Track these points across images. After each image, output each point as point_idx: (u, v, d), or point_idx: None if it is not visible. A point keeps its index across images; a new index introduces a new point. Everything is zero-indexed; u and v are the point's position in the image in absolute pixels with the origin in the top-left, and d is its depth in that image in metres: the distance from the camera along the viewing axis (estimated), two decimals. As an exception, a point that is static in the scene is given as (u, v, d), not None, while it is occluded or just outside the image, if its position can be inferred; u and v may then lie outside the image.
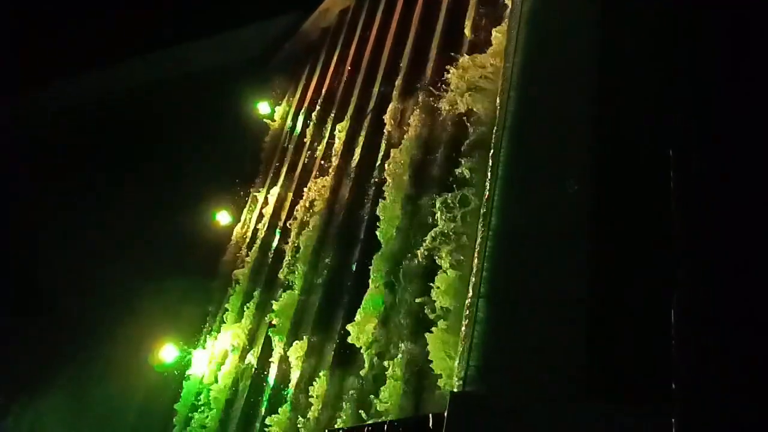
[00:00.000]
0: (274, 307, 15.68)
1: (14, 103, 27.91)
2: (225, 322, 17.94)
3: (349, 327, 12.26)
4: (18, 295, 22.65)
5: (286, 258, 16.86)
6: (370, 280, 12.53)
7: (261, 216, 19.92)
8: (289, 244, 17.14)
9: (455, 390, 7.80)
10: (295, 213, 17.69)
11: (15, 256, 23.47)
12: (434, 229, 11.26)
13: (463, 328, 8.75)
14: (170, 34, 25.05)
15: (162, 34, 25.16)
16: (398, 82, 16.31)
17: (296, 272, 15.93)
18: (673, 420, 6.12)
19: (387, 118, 15.40)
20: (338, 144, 17.58)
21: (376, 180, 14.74)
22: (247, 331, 16.76)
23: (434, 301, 10.58)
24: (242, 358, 16.35)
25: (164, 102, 24.88)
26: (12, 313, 22.26)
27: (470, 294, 8.87)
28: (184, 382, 17.86)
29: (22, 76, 27.04)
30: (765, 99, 7.68)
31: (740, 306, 6.62)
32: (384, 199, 13.57)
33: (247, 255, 19.24)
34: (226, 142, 22.71)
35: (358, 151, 16.49)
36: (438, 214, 11.28)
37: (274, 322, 15.39)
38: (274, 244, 18.10)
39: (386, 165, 14.13)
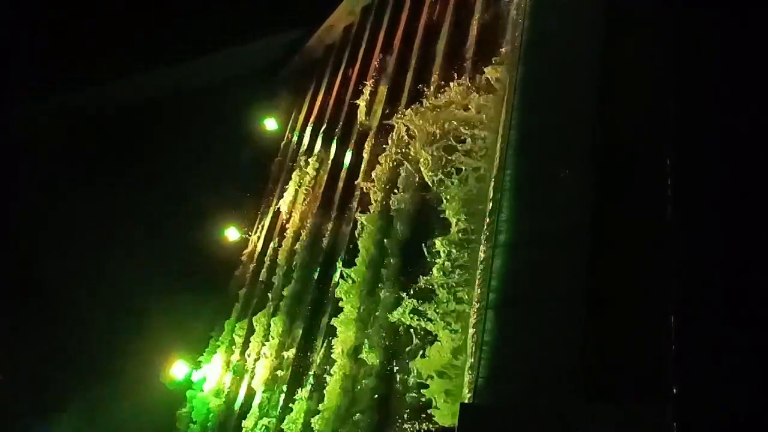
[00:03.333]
0: (281, 325, 15.69)
1: (26, 111, 28.09)
2: (235, 338, 17.86)
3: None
4: (23, 307, 22.76)
5: (294, 275, 16.78)
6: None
7: (269, 232, 19.89)
8: (296, 261, 17.05)
9: (465, 401, 7.79)
10: (300, 231, 17.64)
11: (19, 268, 23.61)
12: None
13: (471, 340, 8.75)
14: (177, 48, 25.27)
15: (169, 48, 25.38)
16: (402, 101, 16.25)
17: (307, 291, 15.87)
18: (674, 423, 6.06)
19: (392, 137, 15.37)
20: (342, 163, 17.61)
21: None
22: (255, 347, 16.66)
23: None
24: (252, 373, 16.24)
25: (173, 115, 24.89)
26: (17, 329, 22.38)
27: (476, 306, 8.87)
28: (195, 398, 17.79)
29: (33, 85, 27.33)
30: (765, 99, 7.64)
31: (739, 306, 6.58)
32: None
33: (255, 271, 19.16)
34: (234, 156, 22.80)
35: (361, 170, 16.42)
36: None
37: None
38: (281, 260, 18.00)
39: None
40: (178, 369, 18.19)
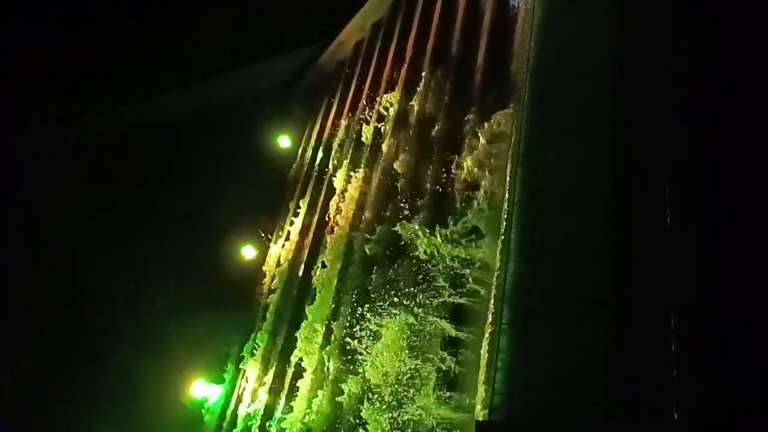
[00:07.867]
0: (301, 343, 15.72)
1: (56, 135, 28.93)
2: (254, 357, 17.88)
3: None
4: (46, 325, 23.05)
5: (312, 291, 16.79)
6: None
7: (285, 249, 19.91)
8: (314, 277, 17.06)
9: (480, 419, 7.79)
10: (316, 246, 17.68)
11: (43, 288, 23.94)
12: None
13: (484, 357, 8.75)
14: (193, 69, 25.92)
15: (186, 69, 26.07)
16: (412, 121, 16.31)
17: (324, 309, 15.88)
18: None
19: (398, 164, 15.45)
20: (356, 180, 17.62)
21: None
22: (273, 367, 16.68)
23: None
24: (270, 394, 16.28)
25: (190, 134, 25.54)
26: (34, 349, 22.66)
27: (490, 321, 8.88)
28: (212, 417, 17.85)
29: (61, 108, 28.14)
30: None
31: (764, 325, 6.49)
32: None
33: (273, 289, 19.18)
34: (252, 173, 22.93)
35: (373, 188, 16.48)
36: None
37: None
38: (299, 277, 18.03)
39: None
40: (197, 388, 18.28)
